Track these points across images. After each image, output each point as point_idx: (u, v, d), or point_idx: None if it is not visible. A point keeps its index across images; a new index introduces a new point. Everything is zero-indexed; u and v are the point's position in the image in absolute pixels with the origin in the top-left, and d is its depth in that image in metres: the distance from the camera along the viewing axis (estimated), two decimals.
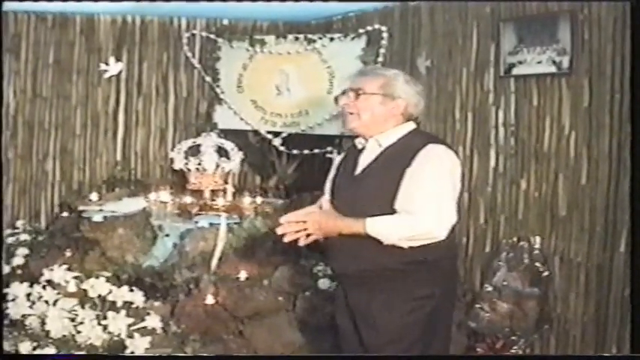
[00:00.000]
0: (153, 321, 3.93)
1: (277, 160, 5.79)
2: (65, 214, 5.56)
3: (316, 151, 5.60)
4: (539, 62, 4.14)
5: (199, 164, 5.46)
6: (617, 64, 3.74)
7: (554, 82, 4.09)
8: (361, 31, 5.32)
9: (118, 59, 5.86)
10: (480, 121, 4.55)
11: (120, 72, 5.88)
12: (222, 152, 5.57)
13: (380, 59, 5.21)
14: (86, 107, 5.87)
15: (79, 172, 5.91)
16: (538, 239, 4.19)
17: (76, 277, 4.07)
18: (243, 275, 4.48)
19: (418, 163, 2.80)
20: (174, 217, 4.97)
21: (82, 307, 3.88)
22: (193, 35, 5.99)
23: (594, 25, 3.87)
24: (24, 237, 5.24)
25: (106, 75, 5.85)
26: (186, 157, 5.53)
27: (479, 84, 4.55)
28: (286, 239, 2.86)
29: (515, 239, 4.29)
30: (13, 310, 3.90)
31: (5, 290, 4.00)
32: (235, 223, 4.85)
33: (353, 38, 5.35)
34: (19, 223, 5.57)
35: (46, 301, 3.90)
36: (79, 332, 3.76)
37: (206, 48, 6.01)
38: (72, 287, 4.00)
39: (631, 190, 3.33)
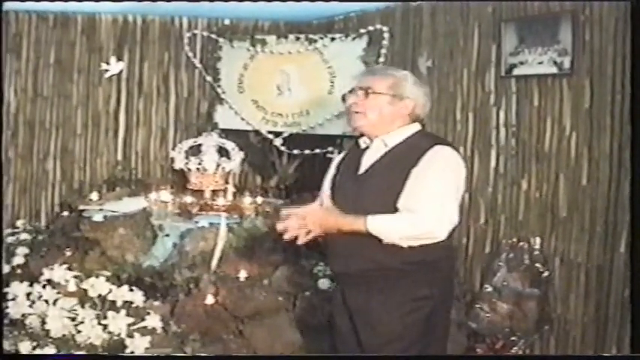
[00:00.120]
0: (153, 321, 3.93)
1: (278, 160, 5.79)
2: (65, 213, 5.56)
3: (317, 151, 5.60)
4: (540, 63, 4.14)
5: (200, 164, 5.46)
6: (619, 64, 3.75)
7: (556, 82, 4.09)
8: (362, 31, 5.32)
9: (119, 59, 5.87)
10: (481, 122, 4.55)
11: (121, 71, 5.88)
12: (222, 152, 5.57)
13: (381, 59, 5.21)
14: (87, 107, 5.87)
15: (79, 172, 5.91)
16: (538, 240, 4.19)
17: (76, 277, 4.07)
18: (243, 275, 4.47)
19: (425, 163, 2.79)
20: (174, 217, 4.97)
21: (82, 306, 3.88)
22: (194, 35, 5.99)
23: (595, 25, 3.87)
24: (24, 236, 5.23)
25: (107, 74, 5.86)
26: (186, 157, 5.53)
27: (480, 84, 4.54)
28: (286, 236, 2.85)
29: (515, 240, 4.29)
30: (13, 310, 3.90)
31: (5, 289, 4.00)
32: (236, 223, 4.85)
33: (354, 38, 5.35)
34: (20, 223, 5.57)
35: (46, 301, 3.90)
36: (79, 332, 3.76)
37: (207, 48, 6.01)
38: (72, 287, 4.00)
39: (631, 191, 3.32)
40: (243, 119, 5.86)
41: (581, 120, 3.97)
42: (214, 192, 5.29)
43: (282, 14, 5.83)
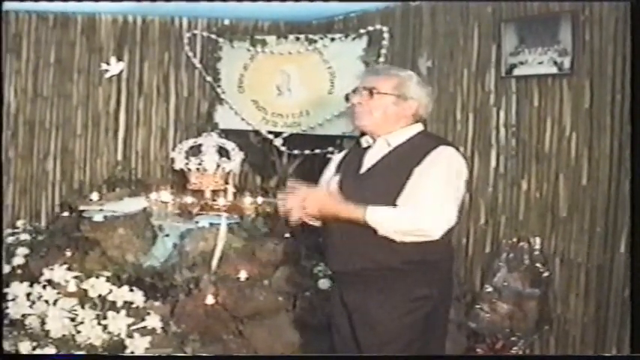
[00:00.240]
0: (153, 321, 3.93)
1: (278, 161, 5.79)
2: (66, 213, 5.55)
3: (317, 151, 5.59)
4: (540, 63, 4.14)
5: (200, 164, 5.46)
6: (619, 64, 3.75)
7: (556, 82, 4.09)
8: (362, 31, 5.31)
9: (119, 59, 5.86)
10: (481, 122, 4.55)
11: (121, 72, 5.87)
12: (223, 152, 5.56)
13: (381, 59, 5.21)
14: (87, 107, 5.86)
15: (79, 172, 5.91)
16: (538, 240, 4.19)
17: (76, 277, 4.06)
18: (243, 275, 4.47)
19: (428, 162, 2.81)
20: (174, 217, 4.96)
21: (82, 306, 3.88)
22: (194, 35, 5.99)
23: (595, 25, 3.87)
24: (24, 236, 5.23)
25: (107, 75, 5.85)
26: (187, 157, 5.53)
27: (480, 84, 4.55)
28: (281, 209, 2.88)
29: (515, 240, 4.29)
30: (13, 310, 3.90)
31: (5, 290, 4.00)
32: (236, 223, 4.85)
33: (354, 38, 5.35)
34: (20, 223, 5.57)
35: (46, 301, 3.89)
36: (79, 332, 3.75)
37: (207, 48, 6.00)
38: (72, 287, 3.99)
39: (631, 191, 3.32)
40: (243, 119, 5.86)
41: (581, 120, 3.97)
42: (214, 192, 5.28)
43: (282, 14, 5.83)
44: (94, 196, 5.44)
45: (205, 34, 5.98)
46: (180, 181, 5.58)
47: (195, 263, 4.62)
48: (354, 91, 3.00)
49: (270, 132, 5.79)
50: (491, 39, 4.44)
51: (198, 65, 6.01)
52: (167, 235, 4.92)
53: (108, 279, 4.06)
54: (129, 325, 3.82)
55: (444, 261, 2.95)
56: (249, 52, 5.77)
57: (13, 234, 5.29)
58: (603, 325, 3.87)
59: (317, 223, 2.95)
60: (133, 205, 5.27)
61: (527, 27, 4.20)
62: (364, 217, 2.76)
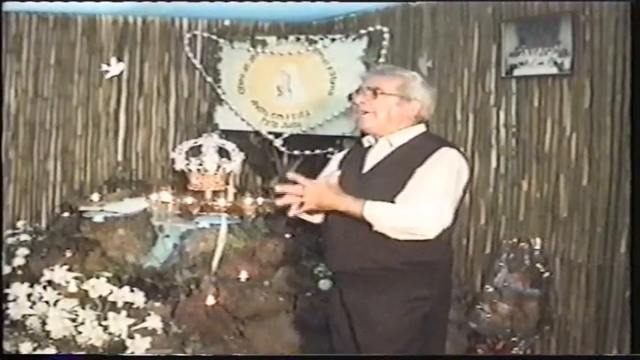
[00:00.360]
0: (153, 321, 3.93)
1: (278, 161, 5.79)
2: (66, 214, 5.55)
3: (317, 151, 5.58)
4: (540, 63, 4.14)
5: (200, 165, 5.45)
6: (619, 65, 3.75)
7: (556, 83, 4.09)
8: (363, 31, 5.31)
9: (120, 59, 5.86)
10: (481, 122, 4.56)
11: (121, 72, 5.88)
12: (223, 153, 5.55)
13: (381, 60, 5.20)
14: (87, 107, 5.86)
15: (80, 173, 5.91)
16: (539, 240, 4.20)
17: (76, 278, 4.07)
18: (243, 276, 4.48)
19: (430, 163, 2.81)
20: (175, 218, 4.95)
21: (83, 307, 3.88)
22: (195, 36, 5.99)
23: (596, 26, 3.87)
24: (24, 237, 5.23)
25: (108, 75, 5.85)
26: (187, 158, 5.51)
27: (480, 85, 4.55)
28: (279, 202, 2.85)
29: (516, 240, 4.29)
30: (14, 311, 3.91)
31: (6, 291, 4.00)
32: (236, 224, 4.84)
33: (354, 39, 5.35)
34: (20, 224, 5.57)
35: (47, 302, 3.90)
36: (79, 333, 3.76)
37: (207, 48, 6.00)
38: (72, 288, 4.00)
39: (632, 192, 3.32)
40: (243, 120, 5.86)
41: (581, 120, 3.97)
42: (215, 193, 5.27)
43: (282, 15, 5.82)
44: (95, 196, 5.44)
45: (206, 34, 5.98)
46: (180, 181, 5.57)
47: (195, 264, 4.63)
48: (358, 90, 3.00)
49: (270, 132, 5.78)
50: (492, 39, 4.44)
51: (199, 66, 6.01)
52: (167, 236, 4.93)
53: (108, 280, 4.08)
54: (129, 326, 3.83)
55: (444, 261, 2.95)
56: (250, 53, 5.77)
57: (13, 235, 5.30)
58: (604, 326, 3.88)
59: (314, 219, 2.94)
60: (133, 205, 5.27)
61: (527, 27, 4.20)
62: (362, 211, 2.76)
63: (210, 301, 4.27)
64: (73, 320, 3.81)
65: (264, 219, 4.86)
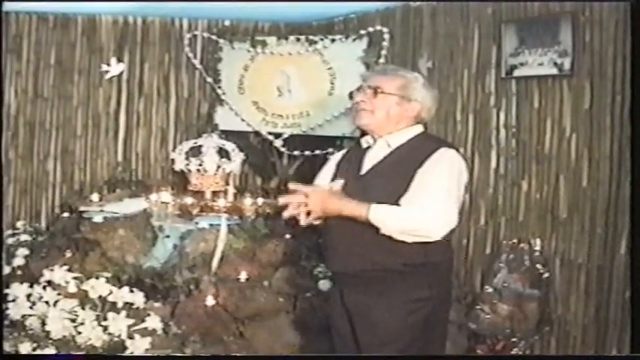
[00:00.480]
0: (153, 322, 3.94)
1: (278, 161, 5.79)
2: (66, 214, 5.55)
3: (317, 152, 5.58)
4: (540, 64, 4.14)
5: (200, 165, 5.46)
6: (619, 65, 3.75)
7: (556, 83, 4.09)
8: (362, 32, 5.31)
9: (120, 60, 5.86)
10: (481, 123, 4.55)
11: (121, 72, 5.87)
12: (223, 153, 5.56)
13: (381, 60, 5.20)
14: (87, 108, 5.86)
15: (79, 173, 5.91)
16: (539, 241, 4.20)
17: (76, 278, 4.08)
18: (243, 276, 4.47)
19: (430, 164, 2.81)
20: (174, 218, 4.95)
21: (83, 307, 3.89)
22: (195, 36, 5.99)
23: (596, 26, 3.87)
24: (24, 237, 5.23)
25: (108, 75, 5.85)
26: (187, 158, 5.52)
27: (480, 85, 4.55)
28: (286, 214, 2.85)
29: (515, 241, 4.29)
30: (14, 311, 3.91)
31: (5, 291, 4.01)
32: (236, 224, 4.84)
33: (354, 39, 5.35)
34: (20, 224, 5.57)
35: (47, 302, 3.90)
36: (79, 333, 3.76)
37: (207, 49, 6.00)
38: (72, 288, 4.00)
39: (632, 192, 3.33)
40: (243, 120, 5.86)
41: (581, 121, 3.97)
42: (215, 193, 5.27)
43: (282, 15, 5.82)
44: (95, 197, 5.44)
45: (206, 35, 5.98)
46: (180, 182, 5.58)
47: (195, 264, 4.62)
48: (359, 89, 3.01)
49: (270, 133, 5.78)
50: (492, 40, 4.44)
51: (199, 66, 6.01)
52: (167, 236, 4.92)
53: (108, 280, 4.08)
54: (129, 326, 3.83)
55: (444, 262, 2.95)
56: (250, 53, 5.77)
57: (13, 235, 5.29)
58: (604, 326, 3.87)
59: (317, 222, 2.94)
60: (133, 206, 5.27)
61: (527, 28, 4.20)
62: (367, 214, 2.75)
63: (210, 301, 4.27)
64: (73, 320, 3.81)
65: (264, 219, 4.85)
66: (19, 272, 4.74)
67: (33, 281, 4.11)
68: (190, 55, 5.98)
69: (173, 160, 5.64)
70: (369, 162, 2.97)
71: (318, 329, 4.10)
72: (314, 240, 4.60)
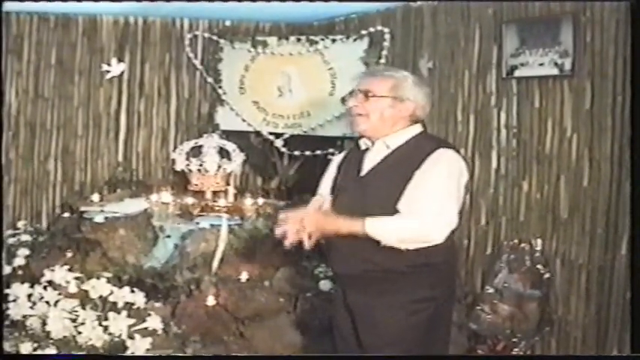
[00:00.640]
0: (154, 322, 3.93)
1: (279, 162, 5.79)
2: (66, 214, 5.56)
3: (318, 152, 5.59)
4: (541, 64, 4.14)
5: (201, 165, 5.46)
6: (620, 66, 3.75)
7: (557, 84, 4.09)
8: (363, 32, 5.32)
9: (120, 60, 5.87)
10: (482, 123, 4.55)
11: (122, 73, 5.88)
12: (223, 153, 5.56)
13: (382, 61, 5.21)
14: (88, 108, 5.87)
15: (80, 173, 5.91)
16: (539, 241, 4.20)
17: (77, 278, 4.07)
18: (244, 276, 4.48)
19: (428, 165, 2.79)
20: (175, 218, 4.95)
21: (83, 307, 3.88)
22: (195, 36, 5.99)
23: (597, 27, 3.87)
24: (25, 237, 5.23)
25: (108, 76, 5.86)
26: (187, 158, 5.53)
27: (481, 86, 4.55)
28: (287, 242, 2.84)
29: (516, 241, 4.29)
30: (14, 311, 3.90)
31: (6, 291, 4.00)
32: (237, 225, 4.84)
33: (355, 40, 5.35)
34: (21, 224, 5.57)
35: (47, 302, 3.90)
36: (79, 333, 3.76)
37: (208, 49, 6.01)
38: (73, 288, 4.00)
39: (632, 192, 3.32)
40: (244, 120, 5.86)
41: (582, 121, 3.97)
42: (215, 193, 5.28)
43: (283, 15, 5.83)
44: (95, 197, 5.45)
45: (206, 35, 5.98)
46: (181, 182, 5.58)
47: (196, 264, 4.62)
48: (351, 93, 2.99)
49: (271, 133, 5.79)
50: (492, 40, 4.44)
51: (199, 66, 6.02)
52: (168, 236, 4.92)
53: (109, 280, 4.07)
54: (130, 326, 3.82)
55: (447, 262, 2.93)
56: (250, 54, 5.77)
57: (14, 235, 5.30)
58: (604, 326, 3.88)
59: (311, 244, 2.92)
60: (133, 206, 5.27)
61: (528, 28, 4.20)
62: (364, 230, 2.75)
63: (211, 301, 4.27)
64: (74, 320, 3.80)
65: (265, 219, 4.85)
66: (19, 272, 4.74)
67: (34, 281, 4.11)
68: (191, 55, 5.99)
69: (174, 161, 5.65)
70: (368, 164, 2.95)
71: (319, 329, 4.10)
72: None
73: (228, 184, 5.36)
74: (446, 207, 2.76)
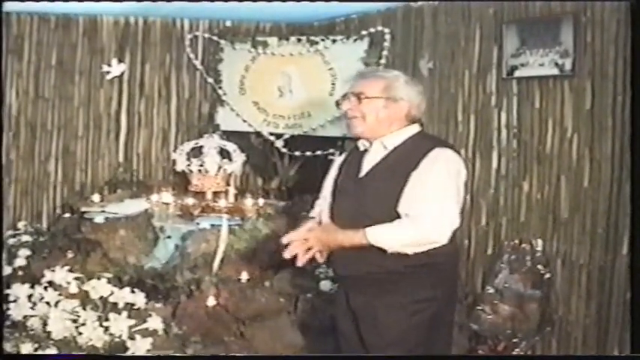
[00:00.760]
0: (154, 322, 3.94)
1: (279, 162, 5.78)
2: (67, 215, 5.57)
3: (318, 152, 5.59)
4: (541, 64, 4.14)
5: (201, 166, 5.46)
6: (620, 66, 3.75)
7: (557, 84, 4.09)
8: (364, 32, 5.31)
9: (121, 60, 5.87)
10: (483, 123, 4.55)
11: (122, 73, 5.88)
12: (224, 154, 5.56)
13: (382, 61, 5.21)
14: (88, 108, 5.87)
15: (81, 174, 5.92)
16: (540, 241, 4.19)
17: (77, 279, 4.08)
18: (244, 277, 4.48)
19: (425, 166, 2.78)
20: (175, 219, 4.95)
21: (84, 308, 3.89)
22: (196, 37, 5.99)
23: (597, 27, 3.87)
24: (26, 238, 5.23)
25: (109, 76, 5.86)
26: (188, 159, 5.52)
27: (481, 86, 4.54)
28: (299, 263, 2.87)
29: (517, 241, 4.29)
30: (15, 312, 3.91)
31: (7, 291, 4.01)
32: (237, 225, 4.84)
33: (355, 40, 5.35)
34: (21, 224, 5.58)
35: (48, 303, 3.91)
36: (80, 333, 3.76)
37: (209, 49, 6.01)
38: (73, 288, 4.00)
39: (632, 193, 3.32)
40: (244, 121, 5.86)
41: (582, 121, 3.97)
42: (216, 194, 5.28)
43: (283, 16, 5.83)
44: (96, 197, 5.45)
45: (207, 35, 5.98)
46: (181, 182, 5.58)
47: (196, 265, 4.62)
48: (344, 97, 2.99)
49: (271, 133, 5.79)
50: (493, 40, 4.44)
51: (200, 67, 6.02)
52: (169, 237, 4.92)
53: (109, 280, 4.08)
54: (130, 327, 3.83)
55: (448, 262, 2.93)
56: (251, 54, 5.78)
57: (14, 235, 5.30)
58: (605, 326, 3.88)
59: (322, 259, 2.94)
60: (134, 206, 5.27)
61: (528, 28, 4.20)
62: (367, 240, 2.75)
63: (211, 302, 4.27)
64: (74, 321, 3.81)
65: (265, 220, 4.85)
66: (20, 273, 4.74)
67: (34, 282, 4.12)
68: (191, 55, 5.99)
69: (174, 161, 5.64)
70: (367, 165, 2.95)
71: (319, 330, 4.10)
72: None
73: (228, 184, 5.36)
74: (446, 207, 2.76)
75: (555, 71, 4.06)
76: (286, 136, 5.73)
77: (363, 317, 2.93)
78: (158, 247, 4.95)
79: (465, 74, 4.65)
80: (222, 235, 4.62)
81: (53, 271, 4.11)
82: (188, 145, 5.64)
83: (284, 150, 5.75)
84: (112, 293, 3.95)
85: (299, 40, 5.61)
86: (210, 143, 5.60)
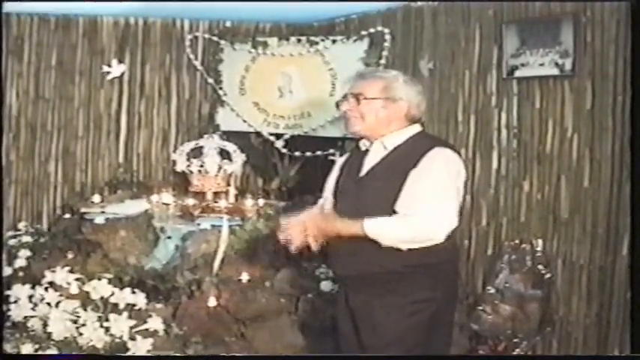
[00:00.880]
0: (155, 323, 3.94)
1: (279, 162, 5.79)
2: (67, 215, 5.56)
3: (318, 153, 5.59)
4: (541, 64, 4.14)
5: (202, 166, 5.46)
6: (620, 66, 3.75)
7: (557, 84, 4.09)
8: (364, 33, 5.32)
9: (121, 61, 5.87)
10: (483, 124, 4.55)
11: (122, 74, 5.89)
12: (224, 154, 5.57)
13: (382, 61, 5.21)
14: (88, 109, 5.87)
15: (81, 174, 5.92)
16: (540, 241, 4.19)
17: (78, 279, 4.08)
18: (245, 277, 4.47)
19: (424, 165, 2.79)
20: (176, 219, 4.97)
21: (84, 309, 3.89)
22: (196, 37, 6.00)
23: (597, 27, 3.87)
24: (26, 239, 5.23)
25: (109, 77, 5.86)
26: (188, 159, 5.53)
27: (481, 86, 4.54)
28: (292, 248, 2.88)
29: (517, 241, 4.29)
30: (15, 312, 3.91)
31: (7, 292, 4.01)
32: (237, 225, 4.84)
33: (355, 40, 5.35)
34: (21, 225, 5.58)
35: (48, 303, 3.91)
36: (81, 334, 3.76)
37: (209, 50, 6.01)
38: (74, 289, 4.00)
39: (632, 193, 3.32)
40: (244, 121, 5.86)
41: (582, 121, 3.97)
42: (216, 194, 5.29)
43: (283, 16, 5.83)
44: (96, 198, 5.45)
45: (207, 36, 5.98)
46: (181, 183, 5.58)
47: (197, 265, 4.62)
48: (344, 97, 3.00)
49: (271, 134, 5.79)
50: (493, 41, 4.44)
51: (200, 67, 6.02)
52: (169, 237, 4.92)
53: (110, 281, 4.08)
54: (131, 327, 3.83)
55: (448, 262, 2.93)
56: (251, 54, 5.78)
57: (14, 236, 5.30)
58: (605, 327, 3.87)
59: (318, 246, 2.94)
60: (134, 207, 5.27)
61: (528, 28, 4.20)
62: (363, 231, 2.76)
63: (212, 302, 4.27)
64: (75, 322, 3.81)
65: (266, 220, 4.86)
66: (20, 273, 4.75)
67: (35, 282, 4.12)
68: (191, 56, 5.99)
69: (174, 162, 5.65)
70: (367, 164, 2.96)
71: (320, 330, 4.10)
72: None
73: (228, 184, 5.37)
74: (444, 205, 2.76)
75: (555, 71, 4.07)
76: (286, 137, 5.74)
77: (362, 317, 2.93)
78: (158, 248, 4.95)
79: (465, 74, 4.65)
80: (222, 235, 4.62)
81: (54, 271, 4.11)
82: (188, 146, 5.65)
83: (284, 150, 5.75)
84: (112, 294, 3.95)
85: (299, 41, 5.62)
86: (211, 144, 5.61)
